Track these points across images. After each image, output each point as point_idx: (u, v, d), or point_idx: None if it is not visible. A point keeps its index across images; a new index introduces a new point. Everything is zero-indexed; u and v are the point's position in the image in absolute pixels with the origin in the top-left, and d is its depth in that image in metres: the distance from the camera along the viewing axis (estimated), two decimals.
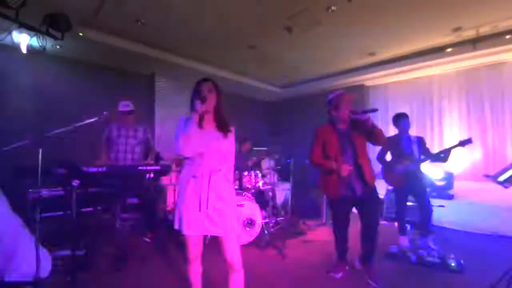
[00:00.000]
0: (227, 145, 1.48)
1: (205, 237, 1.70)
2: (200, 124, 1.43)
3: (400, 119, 2.98)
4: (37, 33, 2.25)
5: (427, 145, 3.02)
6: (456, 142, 2.79)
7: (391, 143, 2.99)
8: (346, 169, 2.04)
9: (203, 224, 1.39)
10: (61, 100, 3.99)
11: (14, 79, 3.65)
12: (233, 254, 1.42)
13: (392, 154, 3.04)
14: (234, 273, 1.44)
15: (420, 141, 2.98)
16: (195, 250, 1.47)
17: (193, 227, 1.39)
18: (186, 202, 1.40)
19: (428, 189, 3.11)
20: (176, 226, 1.44)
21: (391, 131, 5.33)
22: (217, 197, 1.41)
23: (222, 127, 1.49)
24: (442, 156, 2.85)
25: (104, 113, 2.28)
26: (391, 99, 5.76)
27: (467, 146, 2.76)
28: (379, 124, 5.86)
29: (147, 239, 3.08)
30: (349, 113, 2.05)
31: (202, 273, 1.56)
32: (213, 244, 2.22)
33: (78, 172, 2.46)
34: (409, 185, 2.88)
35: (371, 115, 1.99)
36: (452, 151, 2.79)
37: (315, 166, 2.27)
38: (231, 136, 1.51)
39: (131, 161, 2.88)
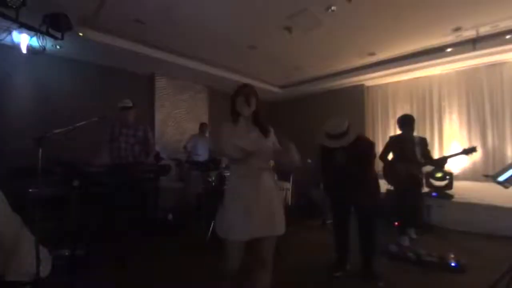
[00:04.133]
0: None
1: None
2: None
3: (407, 122, 2.96)
4: (37, 33, 2.25)
5: (428, 147, 3.00)
6: (460, 150, 2.80)
7: (394, 144, 3.00)
8: None
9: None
10: (61, 100, 3.99)
11: (14, 79, 3.65)
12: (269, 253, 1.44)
13: (394, 154, 3.03)
14: (264, 272, 1.45)
15: (422, 142, 2.97)
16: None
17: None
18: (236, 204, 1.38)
19: (424, 189, 3.15)
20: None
21: (391, 131, 5.37)
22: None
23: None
24: (441, 162, 2.88)
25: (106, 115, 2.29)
26: (391, 99, 5.76)
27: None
28: (379, 124, 5.89)
29: None
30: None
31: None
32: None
33: (78, 172, 2.47)
34: (409, 185, 2.88)
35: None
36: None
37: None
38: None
39: (132, 159, 2.90)
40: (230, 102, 1.51)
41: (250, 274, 1.45)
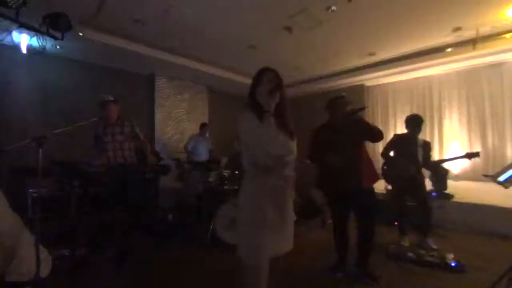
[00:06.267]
0: None
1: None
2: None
3: (415, 122, 2.92)
4: (37, 33, 2.24)
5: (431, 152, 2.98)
6: (463, 153, 2.80)
7: (398, 142, 2.98)
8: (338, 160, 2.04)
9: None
10: (61, 100, 3.99)
11: (14, 79, 3.65)
12: None
13: (395, 152, 3.01)
14: None
15: (426, 145, 2.94)
16: None
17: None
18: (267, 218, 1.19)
19: (427, 189, 3.12)
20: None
21: (391, 131, 5.37)
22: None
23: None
24: (437, 165, 2.87)
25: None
26: (391, 99, 5.75)
27: (468, 149, 2.77)
28: (379, 124, 5.89)
29: None
30: (346, 115, 2.10)
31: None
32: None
33: (78, 172, 2.47)
34: (409, 185, 2.87)
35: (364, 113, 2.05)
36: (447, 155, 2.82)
37: (313, 164, 2.34)
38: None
39: (123, 159, 2.72)
40: (250, 91, 1.29)
41: None
